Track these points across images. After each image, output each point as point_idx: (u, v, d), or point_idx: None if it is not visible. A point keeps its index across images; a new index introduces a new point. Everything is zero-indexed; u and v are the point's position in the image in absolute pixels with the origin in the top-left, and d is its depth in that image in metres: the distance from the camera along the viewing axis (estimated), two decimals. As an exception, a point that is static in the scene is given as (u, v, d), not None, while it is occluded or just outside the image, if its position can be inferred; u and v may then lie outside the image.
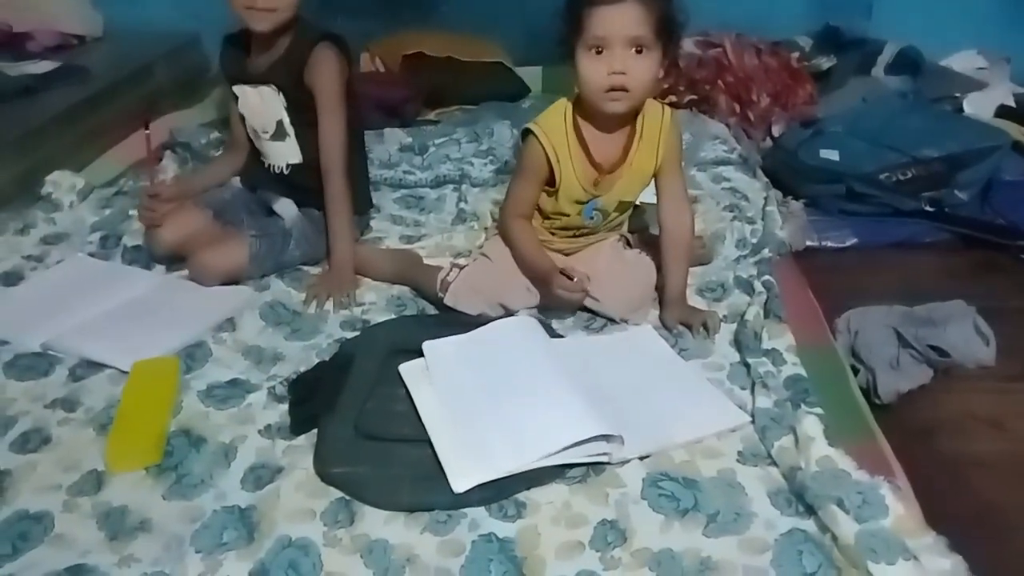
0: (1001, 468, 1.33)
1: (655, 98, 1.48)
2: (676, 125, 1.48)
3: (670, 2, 1.34)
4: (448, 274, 1.50)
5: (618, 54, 1.31)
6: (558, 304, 1.43)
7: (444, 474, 1.07)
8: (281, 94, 1.60)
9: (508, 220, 1.51)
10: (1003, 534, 1.21)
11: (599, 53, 1.32)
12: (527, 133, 1.45)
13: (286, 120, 1.62)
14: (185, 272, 1.59)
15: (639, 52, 1.32)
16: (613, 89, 1.34)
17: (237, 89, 1.65)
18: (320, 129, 1.59)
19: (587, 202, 1.47)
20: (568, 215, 1.50)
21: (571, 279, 1.37)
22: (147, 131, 1.71)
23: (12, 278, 1.62)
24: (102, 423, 1.20)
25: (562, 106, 1.44)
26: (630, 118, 1.43)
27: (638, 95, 1.37)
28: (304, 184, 1.65)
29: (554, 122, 1.43)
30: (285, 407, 1.23)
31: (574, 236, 1.55)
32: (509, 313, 1.46)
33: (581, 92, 1.39)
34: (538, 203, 1.51)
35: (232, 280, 1.56)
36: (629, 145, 1.45)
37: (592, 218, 1.51)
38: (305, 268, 1.65)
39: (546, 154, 1.42)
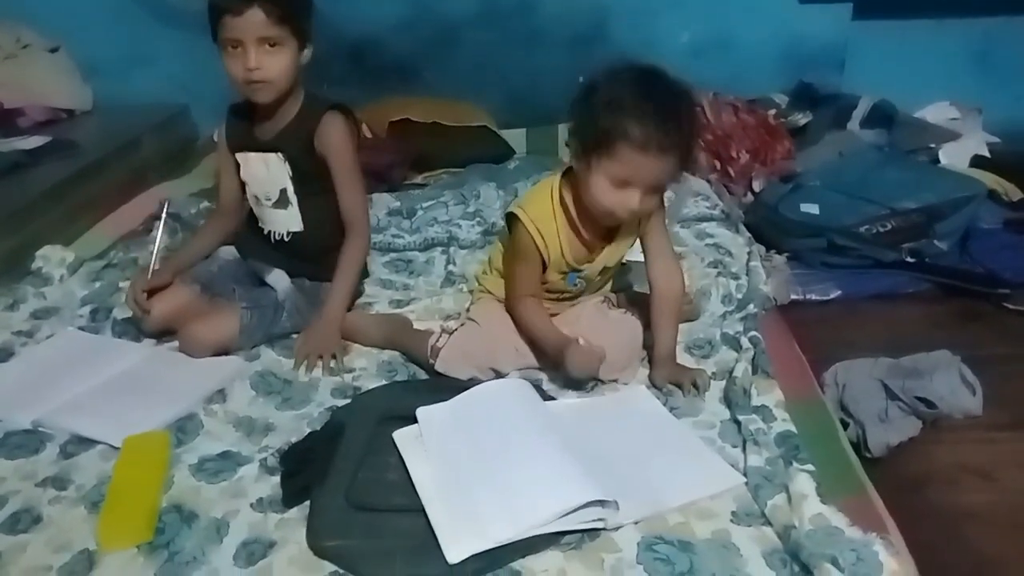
0: (994, 519, 1.34)
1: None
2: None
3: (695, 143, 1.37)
4: (437, 340, 1.51)
5: (637, 196, 1.34)
6: (575, 375, 1.42)
7: (438, 544, 1.06)
8: (287, 163, 1.62)
9: (516, 301, 1.50)
10: (1000, 586, 1.21)
11: (620, 187, 1.34)
12: (513, 218, 1.47)
13: (290, 188, 1.64)
14: (175, 344, 1.59)
15: (656, 193, 1.38)
16: (622, 215, 1.38)
17: (240, 157, 1.66)
18: (340, 190, 1.63)
19: (569, 272, 1.50)
20: (551, 281, 1.52)
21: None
22: (164, 214, 1.75)
23: (2, 354, 1.61)
24: (93, 501, 1.19)
25: (548, 186, 1.47)
26: None
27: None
28: (302, 252, 1.67)
29: (542, 207, 1.45)
30: (277, 479, 1.22)
31: (557, 300, 1.56)
32: (500, 376, 1.47)
33: (587, 202, 1.40)
34: None
35: (223, 351, 1.56)
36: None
37: (576, 284, 1.53)
38: (296, 336, 1.65)
39: (533, 240, 1.44)
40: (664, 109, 1.30)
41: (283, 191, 1.65)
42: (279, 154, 1.62)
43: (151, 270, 1.65)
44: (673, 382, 1.45)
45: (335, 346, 1.57)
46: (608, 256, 1.52)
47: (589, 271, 1.52)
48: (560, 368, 1.43)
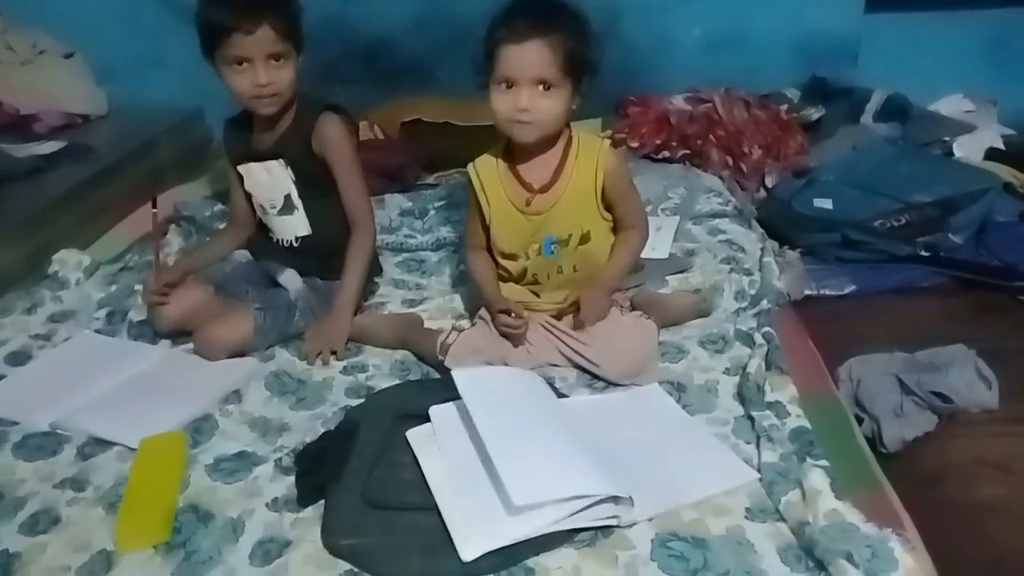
0: (1012, 512, 1.32)
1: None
2: (616, 156, 1.54)
3: (581, 42, 1.41)
4: (447, 337, 1.52)
5: (525, 92, 1.39)
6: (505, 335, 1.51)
7: (452, 542, 1.07)
8: (289, 168, 1.65)
9: (466, 252, 1.64)
10: (1020, 580, 1.20)
11: (508, 88, 1.41)
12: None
13: (294, 193, 1.67)
14: (190, 346, 1.60)
15: (547, 89, 1.40)
16: (519, 121, 1.42)
17: (242, 168, 1.69)
18: (342, 186, 1.65)
19: (542, 239, 1.52)
20: (520, 256, 1.54)
21: (512, 315, 1.48)
22: (154, 209, 1.74)
23: (20, 357, 1.63)
24: (111, 502, 1.20)
25: (502, 142, 1.54)
26: (553, 141, 1.50)
27: (545, 127, 1.44)
28: (312, 254, 1.70)
29: (486, 156, 1.57)
30: (292, 479, 1.23)
31: (547, 281, 1.57)
32: (511, 372, 1.48)
33: (496, 124, 1.47)
34: (499, 258, 1.58)
35: (238, 353, 1.57)
36: (560, 168, 1.50)
37: (553, 252, 1.53)
38: (310, 335, 1.66)
39: (473, 184, 1.54)
40: (532, 6, 1.40)
41: (287, 197, 1.67)
42: (280, 160, 1.64)
43: (161, 264, 1.68)
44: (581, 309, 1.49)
45: (345, 338, 1.59)
46: (566, 212, 1.50)
47: (557, 232, 1.52)
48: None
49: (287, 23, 1.53)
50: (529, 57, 1.37)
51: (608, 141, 1.54)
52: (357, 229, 1.67)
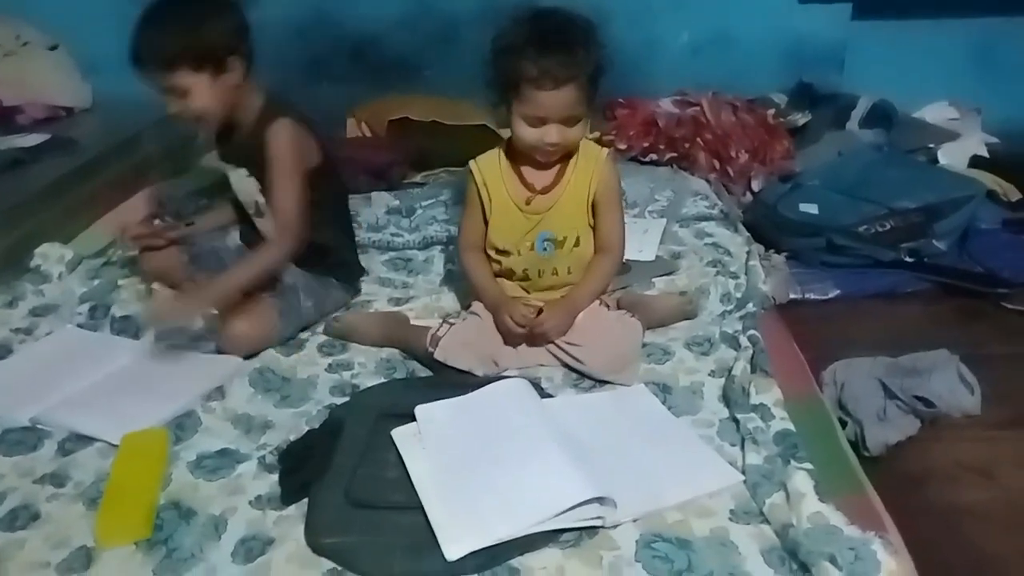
0: (994, 517, 1.34)
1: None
2: (613, 166, 1.55)
3: (599, 65, 1.41)
4: (438, 330, 1.52)
5: (554, 129, 1.42)
6: (503, 333, 1.50)
7: (437, 541, 1.06)
8: (253, 176, 1.63)
9: (461, 253, 1.63)
10: (999, 584, 1.21)
11: (536, 124, 1.41)
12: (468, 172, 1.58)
13: (261, 201, 1.65)
14: (172, 341, 1.58)
15: (574, 122, 1.42)
16: (546, 151, 1.45)
17: (226, 168, 1.69)
18: (271, 195, 1.58)
19: (536, 235, 1.52)
20: (513, 252, 1.54)
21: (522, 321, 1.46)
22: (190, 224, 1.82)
23: (1, 351, 1.61)
24: (92, 498, 1.19)
25: (503, 142, 1.57)
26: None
27: (570, 148, 1.49)
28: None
29: (489, 155, 1.57)
30: (275, 477, 1.22)
31: (538, 279, 1.56)
32: (499, 368, 1.48)
33: (516, 143, 1.48)
34: (492, 252, 1.57)
35: (263, 346, 1.56)
36: (563, 171, 1.52)
37: (546, 249, 1.53)
38: (304, 335, 1.65)
39: (476, 181, 1.54)
40: (555, 43, 1.38)
41: (257, 203, 1.66)
42: (243, 169, 1.64)
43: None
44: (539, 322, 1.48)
45: (199, 311, 1.56)
46: (565, 212, 1.52)
47: (554, 230, 1.52)
48: (496, 322, 1.51)
49: (170, 55, 1.52)
50: (562, 102, 1.39)
51: (607, 150, 1.54)
52: (273, 239, 1.59)
